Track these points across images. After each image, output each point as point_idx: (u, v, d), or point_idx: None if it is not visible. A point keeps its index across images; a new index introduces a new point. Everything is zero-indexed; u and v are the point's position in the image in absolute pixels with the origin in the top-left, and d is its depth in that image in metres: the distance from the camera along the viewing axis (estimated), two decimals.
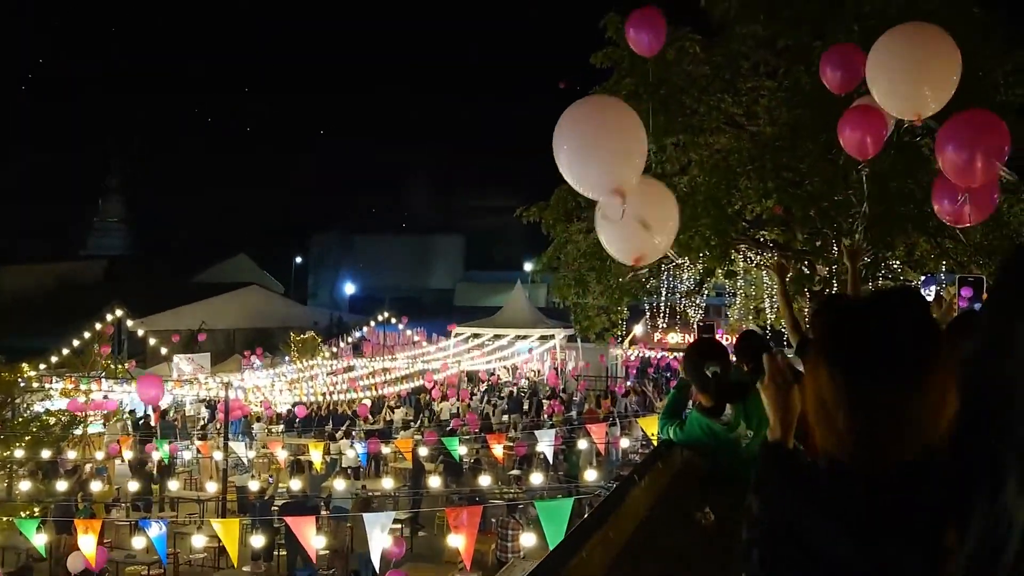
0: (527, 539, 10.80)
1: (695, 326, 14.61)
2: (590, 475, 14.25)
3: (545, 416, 23.70)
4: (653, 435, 11.92)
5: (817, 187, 12.37)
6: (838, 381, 1.37)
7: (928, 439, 1.34)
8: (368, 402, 24.61)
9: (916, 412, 1.33)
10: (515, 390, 29.49)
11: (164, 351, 27.05)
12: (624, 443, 16.70)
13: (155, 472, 17.98)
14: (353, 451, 17.13)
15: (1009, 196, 13.82)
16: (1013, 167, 13.59)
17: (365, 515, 8.39)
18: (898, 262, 14.05)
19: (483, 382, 32.52)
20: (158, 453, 17.57)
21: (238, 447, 17.35)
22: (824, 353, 1.41)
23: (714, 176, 13.33)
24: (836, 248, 13.26)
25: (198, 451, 18.88)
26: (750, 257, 15.73)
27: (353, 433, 20.65)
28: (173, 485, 17.26)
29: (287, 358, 31.73)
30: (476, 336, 33.21)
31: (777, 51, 13.89)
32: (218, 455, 15.99)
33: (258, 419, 23.78)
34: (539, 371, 33.49)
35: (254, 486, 15.57)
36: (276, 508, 13.54)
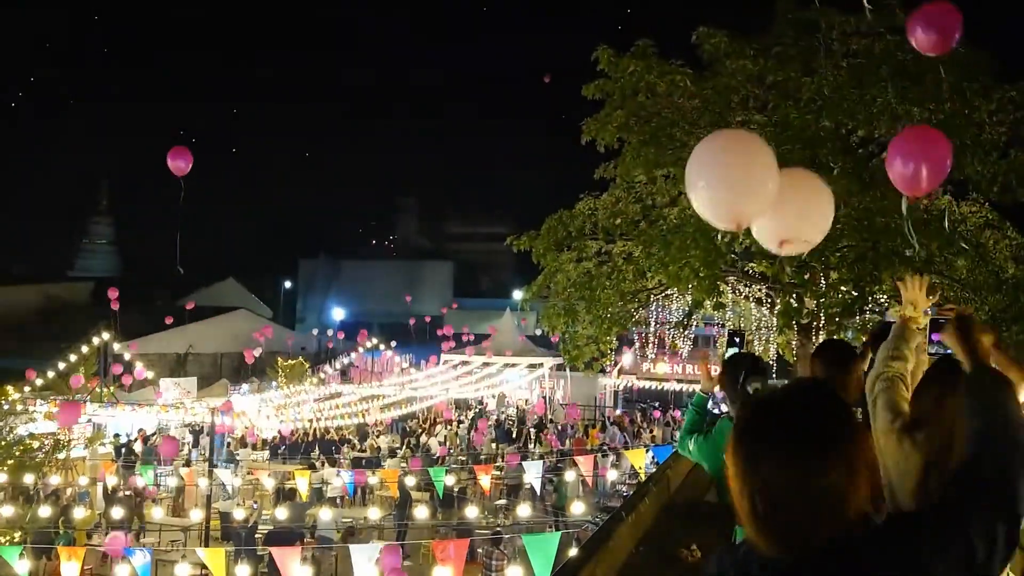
0: (513, 573, 10.73)
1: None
2: (577, 507, 14.18)
3: (532, 446, 23.62)
4: (640, 468, 11.91)
5: None
6: (744, 470, 1.41)
7: (842, 517, 1.36)
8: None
9: (820, 492, 1.35)
10: (503, 419, 29.38)
11: (150, 375, 26.86)
12: (612, 475, 16.65)
13: (135, 498, 17.77)
14: (340, 479, 17.01)
15: (994, 232, 14.02)
16: (994, 205, 13.81)
17: (352, 547, 8.33)
18: (884, 296, 14.15)
19: (471, 410, 32.41)
20: (142, 479, 17.39)
21: (223, 474, 17.20)
22: (732, 446, 1.45)
23: None
24: (824, 281, 13.37)
25: (182, 478, 18.70)
26: (739, 289, 15.83)
27: (339, 461, 20.51)
28: (157, 512, 17.07)
29: (274, 383, 31.57)
30: (465, 363, 33.14)
31: (766, 86, 14.09)
32: (203, 482, 15.84)
33: (243, 444, 23.60)
34: (527, 400, 33.40)
35: (239, 514, 15.42)
36: (260, 536, 13.41)
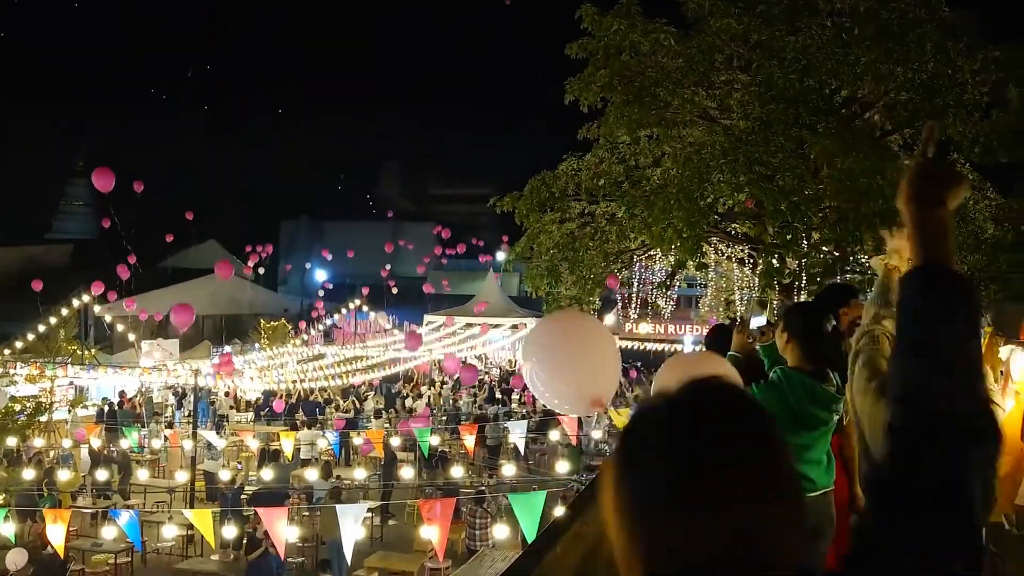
0: (498, 529, 10.87)
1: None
2: (561, 466, 14.35)
3: (515, 406, 23.81)
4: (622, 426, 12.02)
5: (788, 182, 12.51)
6: (624, 504, 1.02)
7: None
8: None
9: (755, 548, 0.97)
10: (488, 380, 29.53)
11: (132, 337, 26.71)
12: (596, 434, 16.82)
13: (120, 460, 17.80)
14: (325, 440, 17.09)
15: (974, 193, 14.10)
16: (975, 166, 13.89)
17: (339, 507, 8.39)
18: (866, 256, 14.26)
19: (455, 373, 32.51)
20: (126, 441, 17.41)
21: (208, 435, 17.23)
22: (615, 470, 1.04)
23: (687, 169, 13.43)
24: (806, 242, 13.44)
25: (166, 439, 18.72)
26: (721, 249, 15.89)
27: (323, 423, 20.57)
28: (142, 474, 17.11)
29: (257, 345, 31.50)
30: (448, 325, 33.23)
31: (751, 45, 14.03)
32: (187, 444, 15.87)
33: (232, 407, 23.64)
34: (512, 360, 33.56)
35: (224, 475, 15.49)
36: (246, 497, 13.49)
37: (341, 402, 24.06)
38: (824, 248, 13.10)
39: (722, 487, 0.96)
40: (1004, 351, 4.08)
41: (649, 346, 32.33)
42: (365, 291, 37.03)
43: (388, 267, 41.78)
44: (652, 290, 17.87)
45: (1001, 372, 3.90)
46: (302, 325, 33.73)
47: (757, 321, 3.68)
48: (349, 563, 9.60)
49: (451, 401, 24.76)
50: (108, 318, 26.57)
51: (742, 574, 0.96)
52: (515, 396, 25.00)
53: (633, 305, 18.91)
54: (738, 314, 16.91)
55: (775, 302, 12.81)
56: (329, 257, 43.51)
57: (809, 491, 3.23)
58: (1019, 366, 3.88)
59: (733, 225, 15.20)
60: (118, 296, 27.75)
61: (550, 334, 3.49)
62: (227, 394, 24.00)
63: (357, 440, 17.49)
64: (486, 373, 31.61)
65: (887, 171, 12.54)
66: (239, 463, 17.24)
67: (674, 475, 0.98)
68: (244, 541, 12.34)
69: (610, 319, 28.71)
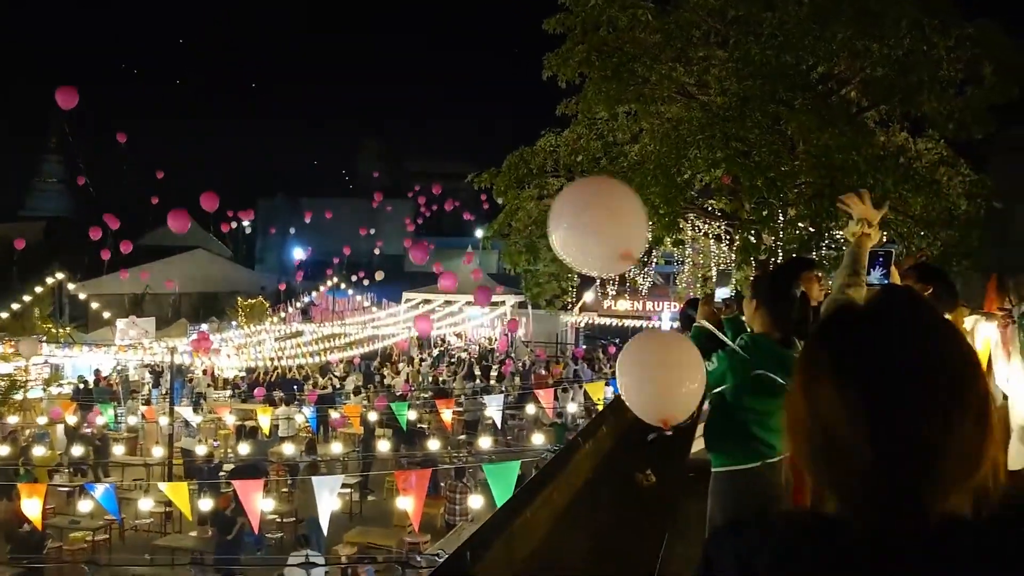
0: (475, 502, 10.94)
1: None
2: (537, 438, 14.44)
3: (493, 381, 23.88)
4: (599, 400, 12.10)
5: (765, 158, 12.55)
6: (855, 403, 0.98)
7: (967, 487, 0.99)
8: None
9: (955, 446, 0.97)
10: (466, 356, 29.59)
11: (107, 315, 26.51)
12: (572, 408, 16.92)
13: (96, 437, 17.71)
14: (302, 416, 17.09)
15: (948, 169, 14.23)
16: (949, 142, 14.00)
17: (314, 478, 8.41)
18: (841, 233, 14.36)
19: (436, 347, 32.57)
20: (102, 418, 17.31)
21: (185, 412, 17.18)
22: (834, 367, 1.02)
23: (664, 145, 13.44)
24: (782, 217, 13.51)
25: (143, 416, 18.64)
26: (698, 226, 15.95)
27: (299, 399, 20.55)
28: (118, 450, 17.03)
29: (234, 323, 31.36)
30: (427, 302, 33.19)
31: (728, 21, 14.01)
32: (164, 420, 15.82)
33: (210, 384, 23.55)
34: (490, 338, 33.63)
35: (201, 450, 15.45)
36: (224, 473, 13.48)
37: (320, 379, 24.04)
38: (800, 224, 13.17)
39: (958, 393, 0.98)
40: (969, 321, 4.15)
41: (627, 323, 32.49)
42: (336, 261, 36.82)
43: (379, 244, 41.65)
44: (630, 267, 17.93)
45: None
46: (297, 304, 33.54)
47: (722, 293, 3.72)
48: (326, 535, 9.64)
49: (430, 378, 24.79)
50: (83, 296, 26.33)
51: (955, 481, 0.97)
52: (493, 373, 25.07)
53: (611, 282, 18.96)
54: (714, 289, 17.03)
55: (751, 278, 12.88)
56: (308, 220, 43.28)
57: (770, 457, 3.28)
58: (982, 336, 3.96)
59: (710, 201, 15.26)
60: (85, 276, 27.48)
61: (578, 196, 3.61)
62: (205, 372, 23.91)
63: (335, 414, 17.51)
64: (464, 350, 31.66)
65: (863, 147, 12.62)
66: (216, 440, 17.19)
67: (924, 375, 0.98)
68: (217, 524, 12.30)
69: (588, 296, 28.84)
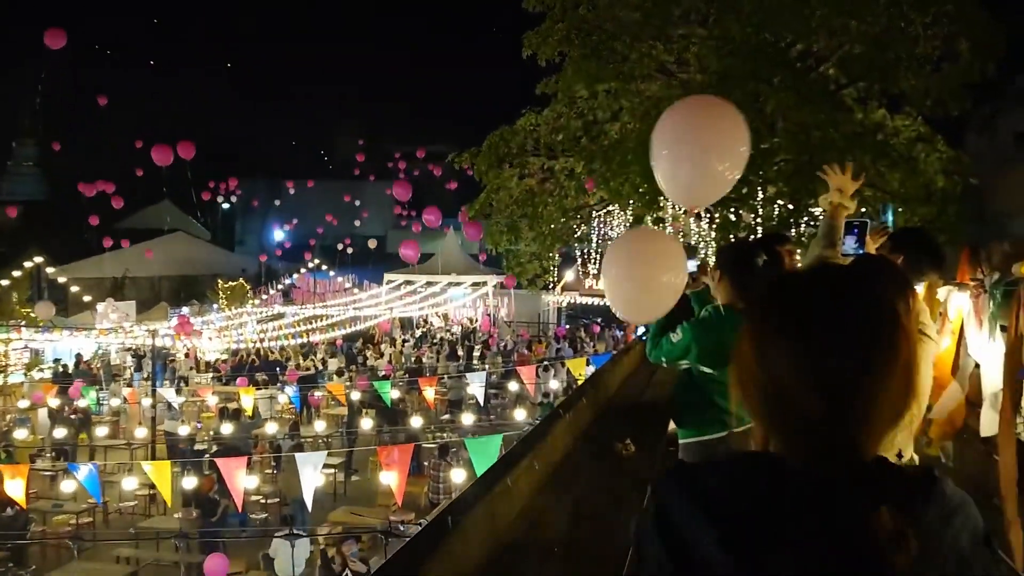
0: (458, 477, 11.00)
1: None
2: (519, 414, 14.54)
3: (476, 360, 23.95)
4: (580, 376, 12.18)
5: None
6: (802, 357, 1.08)
7: (879, 435, 1.11)
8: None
9: (885, 398, 1.09)
10: (449, 337, 29.63)
11: (87, 299, 26.31)
12: (553, 384, 17.02)
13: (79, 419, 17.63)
14: (285, 396, 17.08)
15: (925, 145, 14.34)
16: (926, 119, 14.10)
17: (297, 456, 8.44)
18: (819, 209, 14.47)
19: (419, 328, 32.59)
20: (85, 400, 17.24)
21: (167, 393, 17.11)
22: (783, 324, 1.11)
23: (644, 123, 13.46)
24: (761, 195, 13.61)
25: (125, 399, 18.56)
26: (678, 204, 16.01)
27: (281, 380, 20.52)
28: (101, 431, 16.98)
29: (215, 306, 31.22)
30: (408, 283, 33.15)
31: None
32: (146, 402, 15.77)
33: (192, 368, 23.47)
34: (473, 318, 33.66)
35: (183, 431, 15.43)
36: (208, 455, 13.46)
37: (301, 360, 24.01)
38: (779, 201, 13.27)
39: (886, 344, 1.10)
40: (942, 292, 4.22)
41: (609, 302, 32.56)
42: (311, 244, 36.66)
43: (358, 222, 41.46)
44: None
45: (940, 312, 4.04)
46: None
47: (689, 266, 3.70)
48: (310, 511, 9.68)
49: (413, 359, 24.81)
50: (62, 280, 26.11)
51: (881, 426, 1.11)
52: (476, 353, 25.13)
53: (593, 260, 19.02)
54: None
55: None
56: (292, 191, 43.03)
57: (736, 427, 3.33)
58: (955, 306, 4.04)
59: None
60: (64, 261, 27.27)
61: (683, 121, 3.69)
62: (187, 355, 23.81)
63: (319, 394, 17.53)
64: (447, 331, 31.69)
65: (841, 124, 12.71)
66: (199, 422, 17.16)
67: (850, 325, 1.09)
68: (198, 505, 12.31)
69: (570, 275, 28.92)
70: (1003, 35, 13.22)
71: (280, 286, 35.31)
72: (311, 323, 27.32)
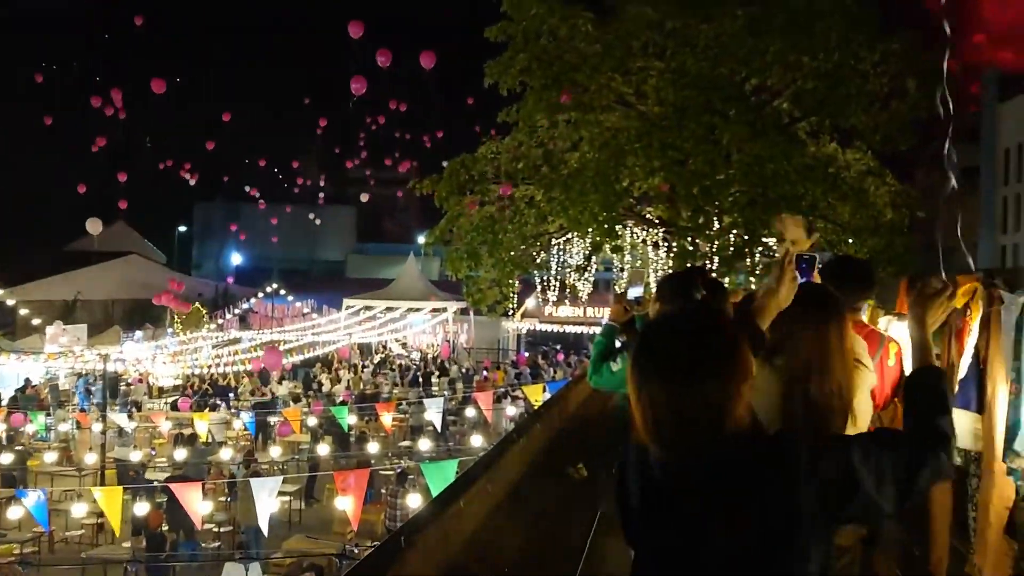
0: (415, 503, 10.94)
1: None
2: (476, 440, 14.53)
3: (436, 390, 23.86)
4: (537, 402, 12.24)
5: (700, 166, 12.88)
6: (635, 386, 1.53)
7: (720, 432, 1.49)
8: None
9: (697, 408, 1.47)
10: (409, 363, 29.50)
11: (36, 322, 25.74)
12: (511, 411, 17.03)
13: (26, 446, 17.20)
14: (240, 422, 16.86)
15: (875, 179, 14.75)
16: (875, 153, 14.49)
17: (252, 481, 8.34)
18: (773, 239, 14.77)
19: (376, 355, 32.40)
20: (33, 426, 16.84)
21: (119, 418, 16.79)
22: (630, 363, 1.57)
23: (603, 153, 13.69)
24: (717, 225, 13.86)
25: (77, 424, 18.15)
26: (636, 232, 16.24)
27: (235, 406, 20.23)
28: (49, 456, 16.56)
29: (170, 330, 30.74)
30: (368, 308, 32.99)
31: (666, 33, 14.34)
32: (97, 427, 15.45)
33: (145, 393, 23.04)
34: (433, 344, 33.56)
35: (135, 457, 15.13)
36: (159, 482, 13.21)
37: (257, 386, 23.70)
38: (734, 231, 13.53)
39: (693, 372, 1.50)
40: (883, 321, 4.38)
41: (569, 329, 32.77)
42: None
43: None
44: (570, 273, 18.12)
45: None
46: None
47: (635, 292, 3.76)
48: (266, 536, 9.54)
49: (372, 385, 24.63)
50: (11, 302, 25.52)
51: (706, 430, 1.48)
52: (435, 380, 25.05)
53: (552, 288, 19.13)
54: (626, 288, 17.28)
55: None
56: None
57: None
58: (896, 335, 4.18)
59: (648, 209, 15.56)
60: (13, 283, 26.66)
61: None
62: (140, 380, 23.39)
63: (274, 419, 17.31)
64: (407, 357, 31.56)
65: (794, 158, 13.04)
66: (153, 449, 16.84)
67: (664, 363, 1.52)
68: (145, 539, 12.03)
69: (530, 302, 29.05)
70: (947, 75, 13.67)
71: (237, 311, 34.89)
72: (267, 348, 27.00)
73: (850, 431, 2.75)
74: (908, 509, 1.57)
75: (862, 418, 2.79)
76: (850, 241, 13.84)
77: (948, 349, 3.53)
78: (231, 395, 21.96)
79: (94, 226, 24.32)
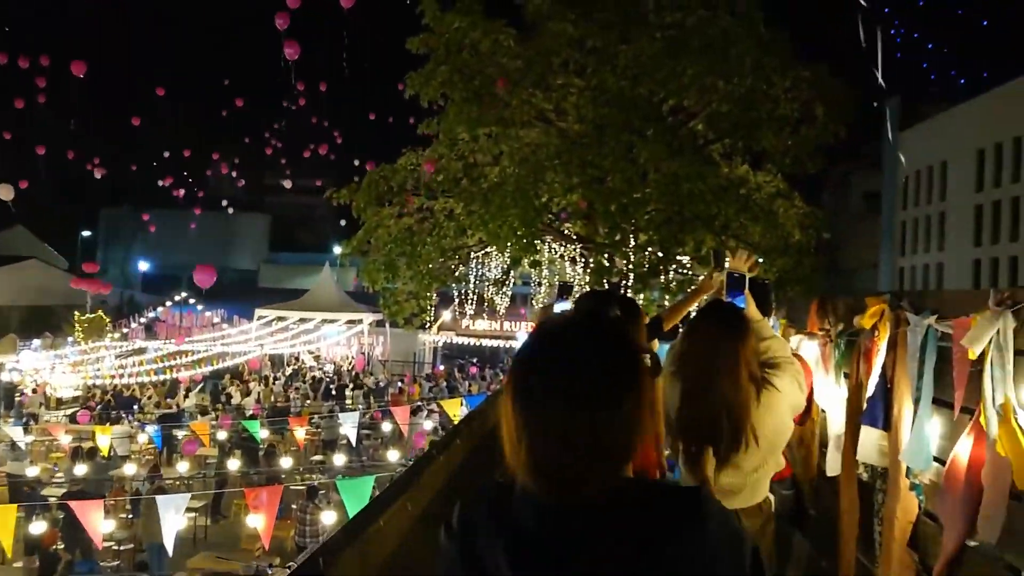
0: (329, 519, 10.71)
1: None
2: (392, 455, 14.35)
3: (349, 403, 23.49)
4: (455, 417, 12.17)
5: (618, 184, 13.08)
6: (522, 405, 1.25)
7: (619, 468, 1.24)
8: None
9: (599, 438, 1.21)
10: (322, 376, 28.98)
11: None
12: (428, 426, 16.89)
13: None
14: (145, 436, 16.25)
15: (784, 201, 15.25)
16: (785, 176, 14.99)
17: (159, 498, 8.02)
18: (687, 258, 15.12)
19: (288, 366, 31.75)
20: None
21: (13, 431, 15.98)
22: (507, 382, 1.30)
23: (523, 169, 13.77)
24: (633, 242, 14.09)
25: None
26: (555, 248, 16.38)
27: (138, 418, 19.49)
28: None
29: (71, 339, 29.51)
30: (281, 319, 32.34)
31: (586, 51, 14.55)
32: None
33: (42, 404, 21.97)
34: (348, 356, 33.10)
35: (32, 472, 14.40)
36: (56, 498, 12.61)
37: (163, 398, 22.92)
38: (650, 249, 13.78)
39: (601, 397, 1.22)
40: (794, 340, 4.51)
41: (485, 342, 32.80)
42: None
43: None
44: (488, 286, 18.15)
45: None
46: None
47: (561, 306, 3.81)
48: (171, 555, 9.18)
49: (282, 397, 24.09)
50: None
51: (605, 465, 1.22)
52: (349, 392, 24.67)
53: (470, 301, 19.12)
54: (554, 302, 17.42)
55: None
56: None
57: None
58: (806, 354, 4.32)
59: (566, 224, 15.71)
60: None
61: None
62: (35, 391, 22.32)
63: (181, 434, 16.75)
64: (320, 369, 31.03)
65: (708, 178, 13.37)
66: (55, 464, 16.07)
67: (568, 381, 1.23)
68: (39, 560, 11.46)
69: (447, 315, 28.95)
70: (853, 102, 14.31)
71: (143, 320, 33.74)
72: (175, 359, 26.18)
73: (752, 456, 2.79)
74: (817, 524, 1.43)
75: (766, 443, 2.80)
76: (760, 260, 14.22)
77: (857, 369, 3.64)
78: (135, 407, 21.14)
79: (6, 191, 23.01)
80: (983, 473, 2.57)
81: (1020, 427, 2.37)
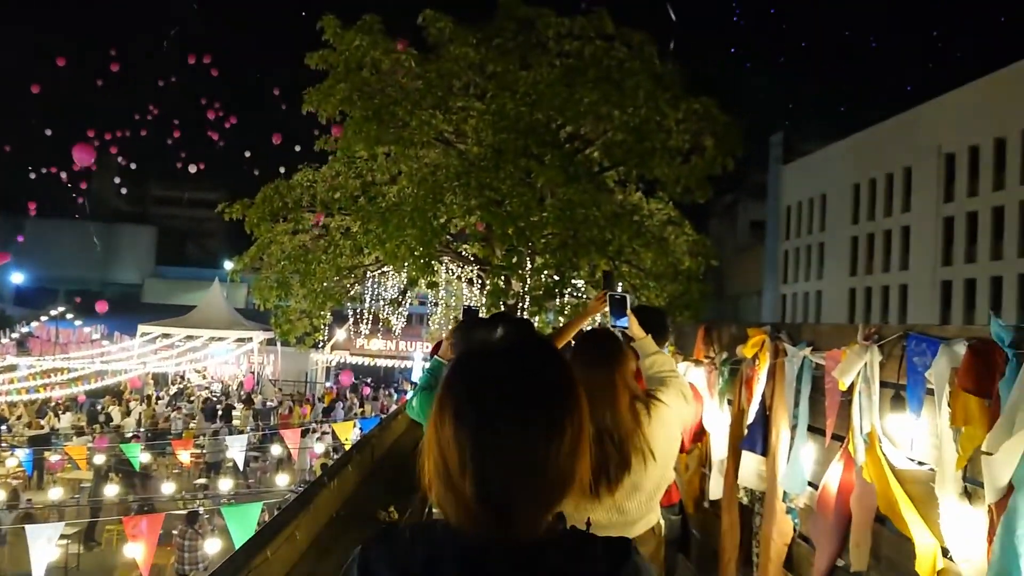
0: (212, 547, 10.36)
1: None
2: (281, 479, 13.99)
3: (237, 423, 22.80)
4: (347, 440, 11.99)
5: (516, 208, 13.21)
6: (454, 429, 1.15)
7: (558, 501, 1.18)
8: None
9: (543, 467, 1.14)
10: (208, 395, 28.03)
11: None
12: (319, 448, 16.58)
13: None
14: (15, 459, 15.35)
15: (675, 228, 15.73)
16: (676, 204, 15.49)
17: (28, 527, 7.55)
18: (582, 281, 15.39)
19: (172, 385, 30.58)
20: None
21: None
22: (442, 398, 1.19)
23: (422, 189, 13.75)
24: (530, 265, 14.26)
25: None
26: (452, 269, 16.39)
27: (5, 440, 18.39)
28: None
29: None
30: (166, 336, 31.13)
31: (487, 75, 14.70)
32: None
33: None
34: (236, 375, 32.15)
35: None
36: None
37: (35, 419, 21.68)
38: (546, 272, 13.96)
39: (545, 421, 1.15)
40: (681, 367, 4.66)
41: (380, 362, 32.47)
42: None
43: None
44: (384, 306, 17.99)
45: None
46: None
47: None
48: None
49: (166, 418, 23.14)
50: None
51: (546, 498, 1.15)
52: (236, 413, 23.95)
53: (365, 321, 18.91)
54: None
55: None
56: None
57: None
58: (692, 380, 4.48)
59: (464, 246, 15.76)
60: None
61: None
62: None
63: (54, 457, 15.88)
64: (207, 388, 30.03)
65: (603, 204, 13.68)
66: None
67: (511, 404, 1.15)
68: None
69: (341, 334, 28.49)
70: (740, 135, 14.93)
71: (15, 335, 31.90)
72: (49, 377, 24.85)
73: (652, 472, 2.88)
74: (699, 546, 1.43)
75: (661, 456, 2.89)
76: (652, 285, 14.62)
77: (739, 396, 3.80)
78: (3, 428, 19.94)
79: None
80: (852, 497, 2.72)
81: (884, 455, 2.53)
